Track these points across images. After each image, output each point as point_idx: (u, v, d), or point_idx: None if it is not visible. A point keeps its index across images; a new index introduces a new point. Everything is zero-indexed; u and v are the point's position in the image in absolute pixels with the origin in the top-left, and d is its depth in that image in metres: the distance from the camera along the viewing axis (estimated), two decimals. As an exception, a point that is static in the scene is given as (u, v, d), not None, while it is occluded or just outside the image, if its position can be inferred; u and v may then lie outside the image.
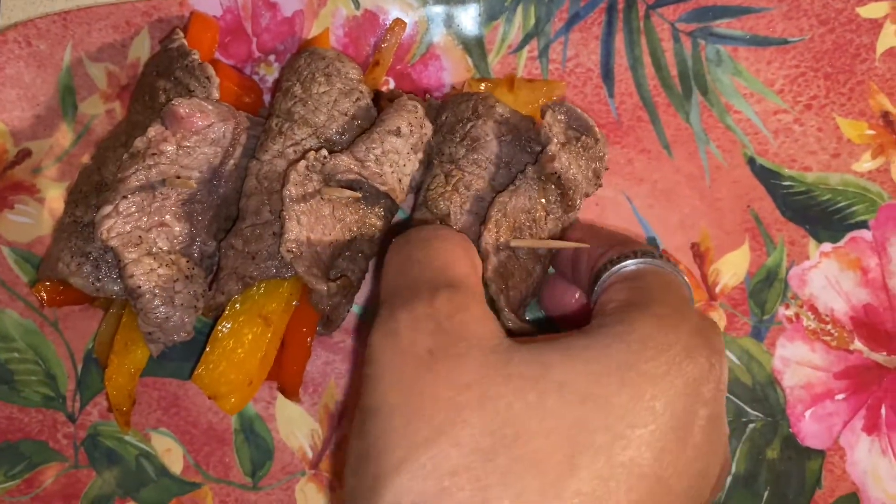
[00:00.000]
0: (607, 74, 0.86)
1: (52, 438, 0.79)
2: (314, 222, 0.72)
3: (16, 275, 0.81)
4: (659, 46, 0.86)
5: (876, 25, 0.86)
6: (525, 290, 0.75)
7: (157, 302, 0.71)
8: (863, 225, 0.85)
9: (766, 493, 0.81)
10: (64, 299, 0.77)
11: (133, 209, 0.72)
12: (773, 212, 0.85)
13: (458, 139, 0.76)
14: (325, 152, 0.71)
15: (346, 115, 0.76)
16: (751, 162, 0.85)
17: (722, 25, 0.86)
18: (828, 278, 0.84)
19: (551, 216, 0.77)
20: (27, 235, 0.81)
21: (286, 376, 0.77)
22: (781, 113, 0.86)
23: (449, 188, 0.75)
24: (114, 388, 0.75)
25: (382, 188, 0.74)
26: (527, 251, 0.75)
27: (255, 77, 0.84)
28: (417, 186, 0.78)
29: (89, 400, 0.80)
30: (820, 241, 0.85)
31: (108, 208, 0.72)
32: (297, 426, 0.81)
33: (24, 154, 0.82)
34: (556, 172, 0.74)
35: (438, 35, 0.84)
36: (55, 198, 0.82)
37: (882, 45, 0.86)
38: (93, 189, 0.76)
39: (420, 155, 0.76)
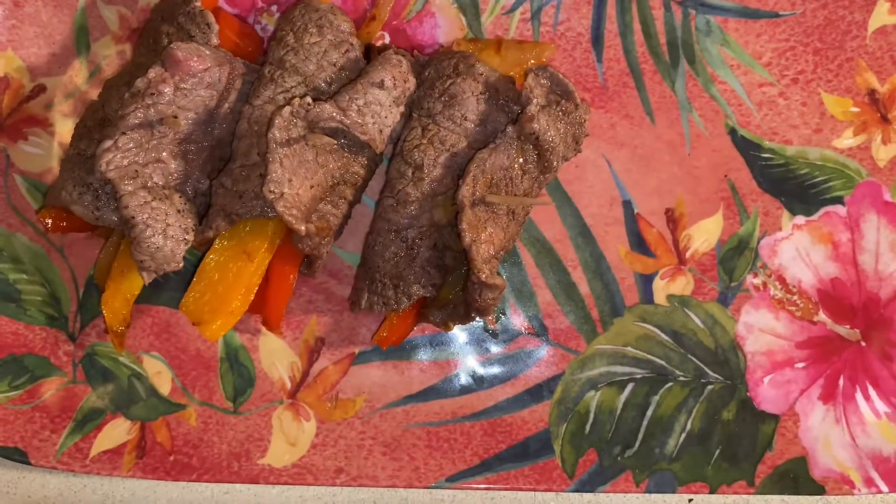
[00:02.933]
0: (597, 39, 0.88)
1: (54, 355, 0.86)
2: (297, 166, 0.76)
3: (27, 202, 0.87)
4: (650, 14, 0.87)
5: (870, 2, 0.87)
6: (498, 243, 0.79)
7: (149, 233, 0.76)
8: (838, 200, 0.86)
9: (717, 452, 0.84)
10: (67, 226, 0.82)
11: (131, 145, 0.77)
12: (749, 182, 0.87)
13: (436, 95, 0.79)
14: (308, 99, 0.75)
15: (334, 65, 0.80)
16: (732, 132, 0.87)
17: (714, -4, 0.87)
18: (798, 250, 0.86)
19: (527, 176, 0.80)
20: (39, 166, 0.87)
21: (269, 310, 0.82)
22: (767, 86, 0.87)
23: (424, 141, 0.78)
24: (110, 312, 0.81)
25: (363, 137, 0.78)
26: (502, 207, 0.79)
27: (258, 26, 0.88)
28: (397, 137, 0.81)
29: (89, 322, 0.86)
30: (794, 213, 0.86)
31: (108, 143, 0.76)
32: (278, 358, 0.86)
33: (39, 89, 0.87)
34: (534, 133, 0.77)
35: (435, -7, 0.87)
36: (66, 132, 0.87)
37: (875, 22, 0.87)
38: (97, 124, 0.81)
39: (402, 108, 0.80)
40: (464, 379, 0.86)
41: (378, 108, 0.78)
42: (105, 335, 0.86)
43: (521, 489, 0.83)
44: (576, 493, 0.86)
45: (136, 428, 0.85)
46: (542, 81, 0.79)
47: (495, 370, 0.86)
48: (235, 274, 0.78)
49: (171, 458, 0.84)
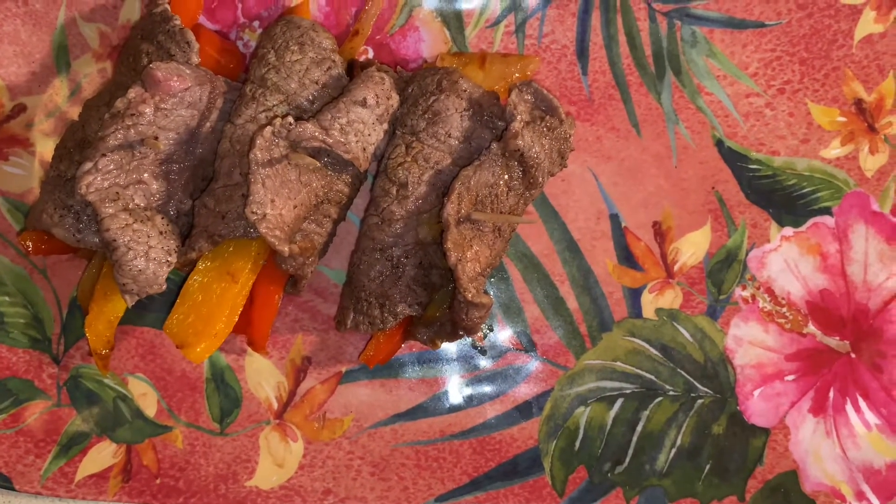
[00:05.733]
0: (582, 52, 0.87)
1: (38, 378, 0.85)
2: (279, 186, 0.75)
3: (8, 223, 0.86)
4: (635, 25, 0.87)
5: (855, 12, 0.86)
6: (484, 261, 0.78)
7: (130, 255, 0.75)
8: (826, 211, 0.86)
9: (707, 467, 0.83)
10: (48, 248, 0.81)
11: (112, 167, 0.76)
12: (737, 194, 0.86)
13: (420, 112, 0.78)
14: (290, 119, 0.74)
15: (316, 83, 0.79)
16: (719, 144, 0.87)
17: (699, 7, 0.86)
18: (787, 262, 0.85)
19: (513, 192, 0.79)
20: (20, 186, 0.86)
21: (254, 330, 0.81)
22: (753, 96, 0.87)
23: (409, 159, 0.78)
24: (93, 334, 0.80)
25: (346, 156, 0.77)
26: (488, 224, 0.78)
27: (240, 42, 0.87)
28: (381, 155, 0.81)
29: (73, 344, 0.85)
30: (782, 224, 0.86)
31: (88, 165, 0.76)
32: (264, 378, 0.85)
33: (20, 109, 0.86)
34: (519, 150, 0.77)
35: (418, 6, 0.86)
36: (47, 151, 0.86)
37: (860, 31, 0.86)
38: (77, 145, 0.80)
39: (385, 125, 0.79)
40: (452, 397, 0.85)
41: (361, 127, 0.77)
42: (89, 357, 0.85)
43: (511, 508, 0.83)
44: (566, 510, 0.86)
45: (122, 451, 0.84)
46: (525, 97, 0.78)
47: (484, 387, 0.85)
48: (219, 295, 0.77)
49: (158, 481, 0.83)
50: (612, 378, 0.85)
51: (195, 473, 0.84)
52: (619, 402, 0.84)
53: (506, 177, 0.78)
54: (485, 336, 0.86)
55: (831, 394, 0.84)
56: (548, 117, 0.78)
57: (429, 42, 0.87)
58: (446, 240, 0.75)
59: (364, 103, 0.77)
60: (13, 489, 0.82)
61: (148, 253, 0.76)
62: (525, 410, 0.84)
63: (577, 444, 0.84)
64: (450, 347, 0.85)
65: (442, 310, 0.81)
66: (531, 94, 0.79)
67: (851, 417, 0.84)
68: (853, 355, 0.85)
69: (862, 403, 0.84)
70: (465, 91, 0.78)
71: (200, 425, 0.84)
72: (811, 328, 0.85)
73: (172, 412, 0.85)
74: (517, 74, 0.84)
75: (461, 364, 0.85)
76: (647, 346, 0.85)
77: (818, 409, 0.84)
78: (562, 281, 0.86)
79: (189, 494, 0.83)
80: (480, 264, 0.78)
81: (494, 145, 0.77)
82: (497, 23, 0.87)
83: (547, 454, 0.84)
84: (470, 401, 0.85)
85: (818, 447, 0.83)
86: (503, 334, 0.86)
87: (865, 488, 0.82)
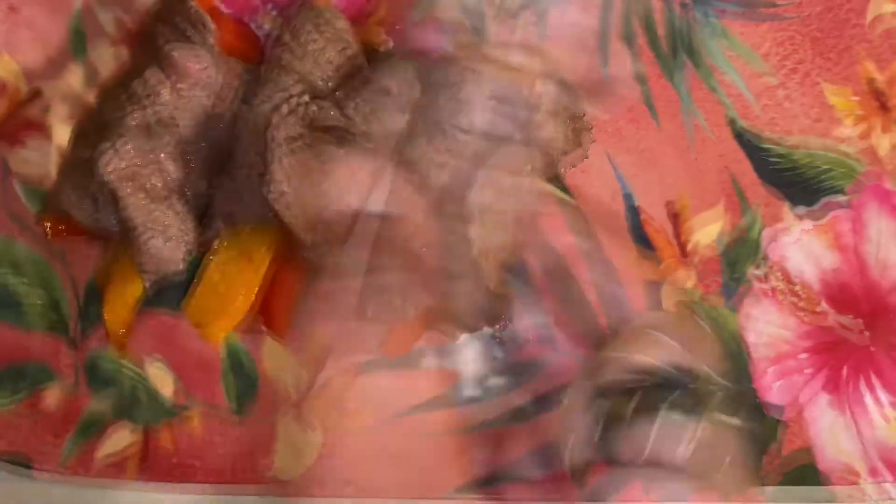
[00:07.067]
0: (603, 39, 0.87)
1: (55, 361, 0.84)
2: (298, 168, 0.75)
3: (25, 207, 0.86)
4: (650, 7, 0.87)
5: (867, -9, 0.87)
6: (506, 252, 0.79)
7: (149, 236, 0.76)
8: (839, 190, 0.86)
9: (727, 458, 0.83)
10: (66, 231, 0.82)
11: (129, 148, 0.77)
12: (750, 174, 0.86)
13: (442, 102, 0.78)
14: (307, 98, 0.75)
15: (331, 63, 0.79)
16: (732, 124, 0.87)
17: (711, -12, 0.87)
18: (800, 241, 0.86)
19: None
20: (37, 171, 0.86)
21: (273, 317, 0.81)
22: (766, 76, 0.87)
23: (430, 149, 0.78)
24: (111, 317, 0.81)
25: (367, 145, 0.77)
26: (509, 215, 0.79)
27: (253, 24, 0.87)
28: (402, 145, 0.81)
29: (90, 327, 0.85)
30: (795, 204, 0.86)
31: (106, 146, 0.76)
32: (283, 366, 0.85)
33: (36, 94, 0.87)
34: (542, 141, 0.77)
35: (435, -8, 0.87)
36: (63, 136, 0.86)
37: (873, 10, 0.87)
38: (94, 129, 0.81)
39: (406, 115, 0.79)
40: (472, 388, 0.85)
41: (383, 115, 0.77)
42: (106, 340, 0.85)
43: (531, 500, 0.83)
44: (586, 504, 0.85)
45: (139, 434, 0.84)
46: (549, 88, 0.79)
47: (503, 379, 0.85)
48: (237, 276, 0.78)
49: (174, 460, 0.83)
50: (631, 370, 0.84)
51: (213, 459, 0.84)
52: (639, 394, 0.84)
53: (528, 168, 0.79)
54: (504, 328, 0.86)
55: (844, 372, 0.85)
56: (571, 107, 0.79)
57: (449, 32, 0.87)
58: (469, 231, 0.75)
59: (387, 92, 0.77)
60: (32, 472, 0.82)
61: (166, 234, 0.77)
62: (544, 402, 0.84)
63: (597, 436, 0.84)
64: (469, 339, 0.85)
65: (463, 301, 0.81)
66: (555, 84, 0.79)
67: (864, 395, 0.84)
68: (867, 333, 0.85)
69: (875, 381, 0.84)
70: (488, 81, 0.79)
71: (218, 412, 0.84)
72: (824, 307, 0.85)
73: (189, 396, 0.85)
74: (539, 65, 0.84)
75: (481, 355, 0.85)
76: (666, 338, 0.85)
77: (832, 387, 0.84)
78: (581, 272, 0.85)
79: (206, 479, 0.83)
80: (503, 255, 0.78)
81: (517, 136, 0.77)
82: (518, 12, 0.87)
83: (566, 447, 0.84)
84: (489, 392, 0.85)
85: (833, 424, 0.84)
86: (523, 326, 0.85)
87: (879, 465, 0.83)
